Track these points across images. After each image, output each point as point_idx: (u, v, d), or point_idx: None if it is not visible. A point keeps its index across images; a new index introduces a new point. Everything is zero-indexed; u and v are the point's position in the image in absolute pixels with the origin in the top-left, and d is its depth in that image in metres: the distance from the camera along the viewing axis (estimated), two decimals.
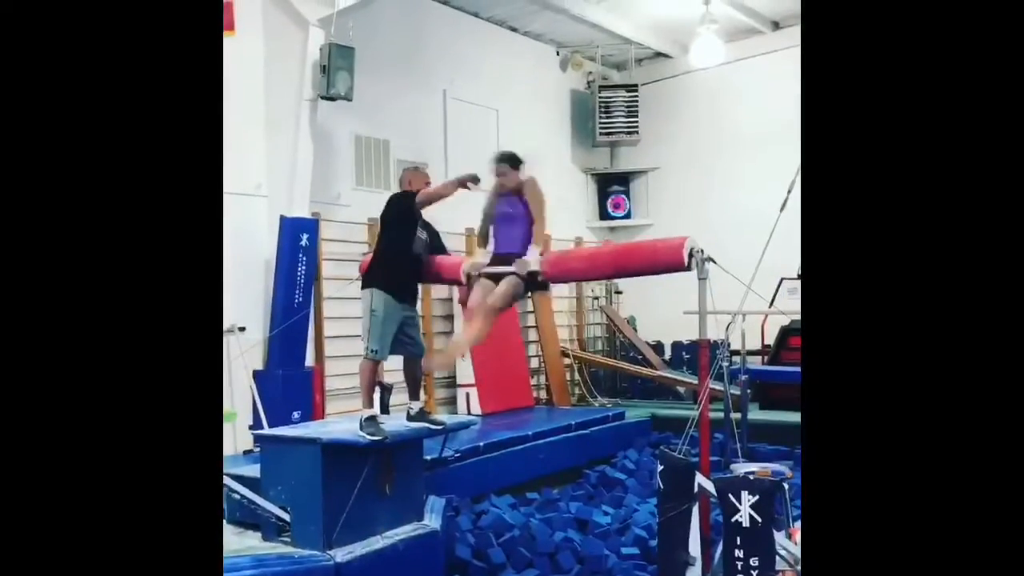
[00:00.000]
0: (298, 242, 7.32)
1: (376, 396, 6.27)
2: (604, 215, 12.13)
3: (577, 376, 10.83)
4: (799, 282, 9.85)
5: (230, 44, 6.28)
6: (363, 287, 5.05)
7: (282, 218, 7.33)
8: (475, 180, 4.99)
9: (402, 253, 5.01)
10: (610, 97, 11.52)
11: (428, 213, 5.23)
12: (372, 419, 4.85)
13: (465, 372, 9.21)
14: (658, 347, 11.23)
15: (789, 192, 4.50)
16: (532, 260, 4.93)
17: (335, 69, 7.37)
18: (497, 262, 5.01)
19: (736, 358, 7.69)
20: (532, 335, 10.58)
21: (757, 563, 2.86)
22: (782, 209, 4.48)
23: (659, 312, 10.45)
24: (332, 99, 7.50)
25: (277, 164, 7.52)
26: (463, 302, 5.36)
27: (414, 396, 5.34)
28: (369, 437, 4.74)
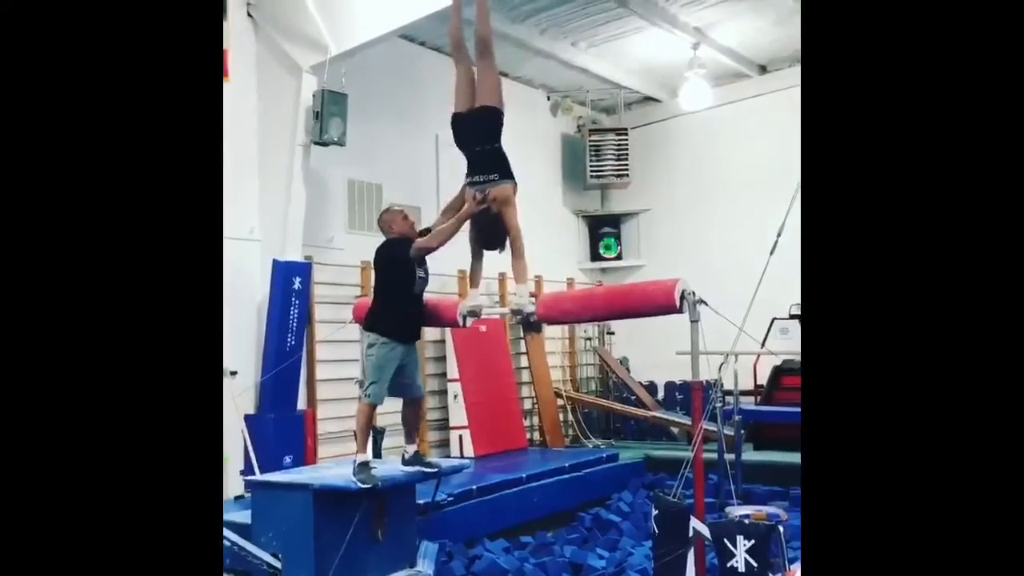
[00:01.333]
0: (291, 285, 7.33)
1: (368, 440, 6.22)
2: (596, 257, 12.19)
3: (570, 417, 10.79)
4: (790, 322, 9.92)
5: (224, 90, 6.36)
6: (364, 329, 5.07)
7: (275, 262, 7.35)
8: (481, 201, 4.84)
9: (401, 297, 5.00)
10: (600, 141, 11.65)
11: None
12: (365, 465, 4.82)
13: (458, 414, 9.16)
14: (651, 387, 11.22)
15: (779, 235, 4.55)
16: (525, 302, 5.00)
17: (328, 115, 7.45)
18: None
19: (729, 398, 7.70)
20: (525, 376, 10.55)
21: None
22: (772, 252, 4.52)
23: (652, 352, 10.46)
24: (325, 144, 7.57)
25: (270, 208, 7.57)
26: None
27: (410, 439, 5.31)
28: (360, 484, 4.70)
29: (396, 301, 4.98)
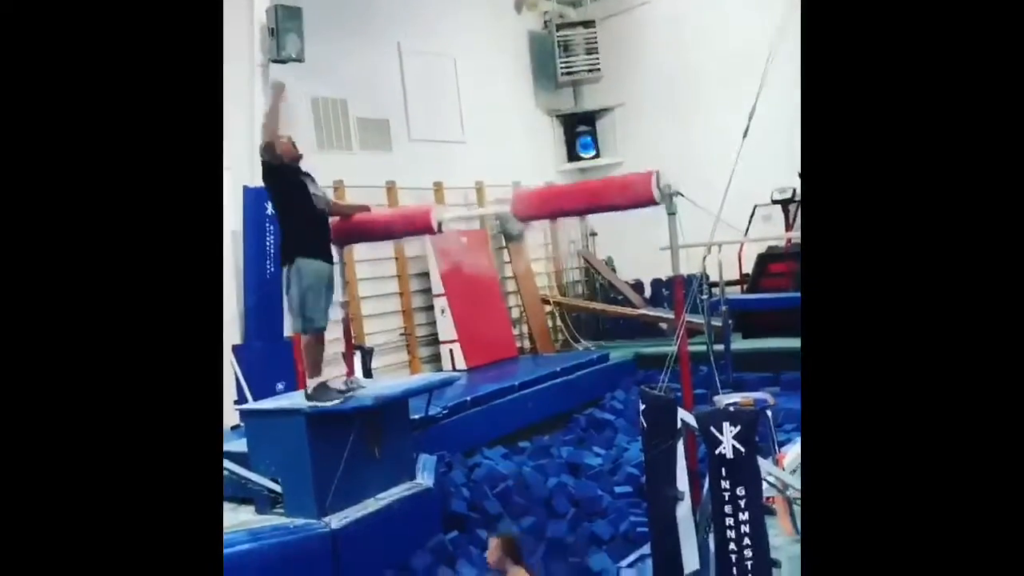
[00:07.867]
0: (263, 212, 7.19)
1: (357, 360, 6.22)
2: (573, 157, 12.00)
3: (559, 322, 10.83)
4: (773, 208, 9.87)
5: None
6: (284, 263, 4.76)
7: (245, 188, 7.20)
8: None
9: (311, 214, 4.77)
10: (568, 35, 11.32)
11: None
12: (322, 386, 4.77)
13: (447, 329, 9.17)
14: (638, 286, 11.24)
15: (750, 118, 4.44)
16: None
17: (283, 31, 7.20)
18: None
19: (715, 290, 7.71)
20: (511, 285, 10.54)
21: (744, 492, 2.86)
22: (744, 136, 4.42)
23: (636, 251, 10.41)
24: (283, 62, 7.33)
25: (234, 134, 7.33)
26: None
27: (316, 371, 4.92)
28: (326, 404, 4.68)
29: (307, 220, 4.77)
